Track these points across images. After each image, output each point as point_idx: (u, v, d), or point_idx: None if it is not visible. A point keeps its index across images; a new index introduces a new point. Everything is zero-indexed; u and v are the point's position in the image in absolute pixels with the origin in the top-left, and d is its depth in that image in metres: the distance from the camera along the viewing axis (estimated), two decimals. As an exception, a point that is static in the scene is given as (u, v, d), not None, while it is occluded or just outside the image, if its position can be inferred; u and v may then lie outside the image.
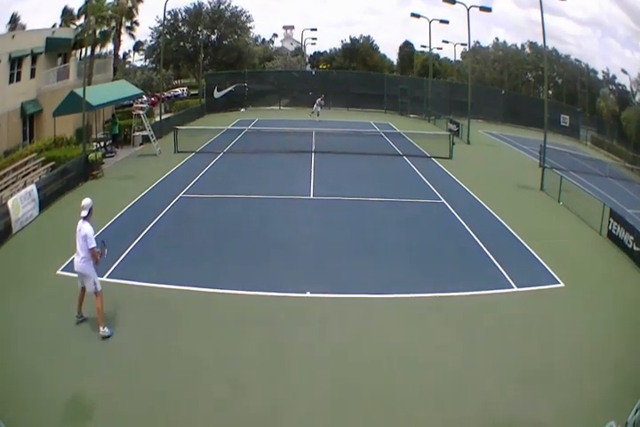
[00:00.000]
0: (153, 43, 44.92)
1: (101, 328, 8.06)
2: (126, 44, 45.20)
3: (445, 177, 19.34)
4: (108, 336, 8.01)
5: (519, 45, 49.46)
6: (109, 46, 38.98)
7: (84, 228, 8.15)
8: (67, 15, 33.62)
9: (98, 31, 32.67)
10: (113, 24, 35.02)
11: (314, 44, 51.84)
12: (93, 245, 8.07)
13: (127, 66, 46.08)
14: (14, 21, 28.62)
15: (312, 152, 22.13)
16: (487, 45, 50.98)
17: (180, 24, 45.75)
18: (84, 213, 8.28)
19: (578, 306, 9.61)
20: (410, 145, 25.42)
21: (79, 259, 8.17)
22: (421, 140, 25.50)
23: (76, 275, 8.25)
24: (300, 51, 54.45)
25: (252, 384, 6.96)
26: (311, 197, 16.12)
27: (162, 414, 6.38)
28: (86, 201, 8.44)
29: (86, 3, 32.17)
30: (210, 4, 45.97)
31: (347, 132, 27.13)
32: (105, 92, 24.08)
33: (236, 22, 46.76)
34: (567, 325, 8.89)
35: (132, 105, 27.32)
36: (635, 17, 40.03)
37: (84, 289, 8.33)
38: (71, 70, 29.64)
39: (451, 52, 48.61)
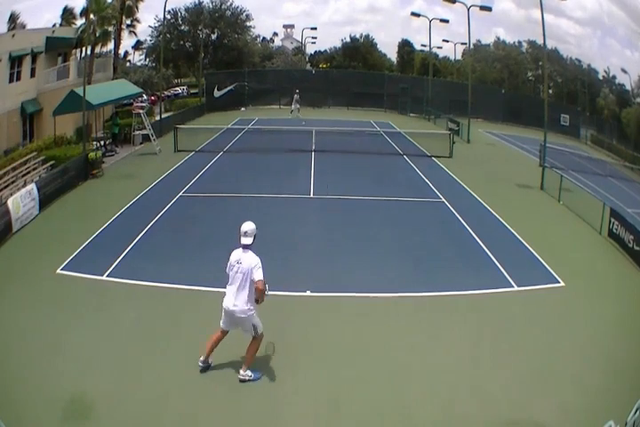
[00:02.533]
0: (153, 42, 44.90)
1: (243, 371, 6.94)
2: (126, 43, 45.03)
3: (445, 176, 19.33)
4: (252, 380, 6.94)
5: (519, 44, 49.42)
6: (110, 45, 39.00)
7: (250, 259, 6.68)
8: (67, 14, 33.55)
9: (98, 31, 32.63)
10: (113, 22, 34.96)
11: (314, 42, 51.85)
12: (260, 277, 6.55)
13: (127, 65, 46.00)
14: (13, 20, 28.57)
15: (312, 151, 22.13)
16: (488, 43, 50.91)
17: (181, 23, 45.71)
18: (248, 241, 6.79)
19: (578, 305, 9.61)
20: (410, 144, 25.41)
21: (238, 299, 6.69)
22: (421, 140, 25.50)
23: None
24: (300, 50, 54.38)
25: (251, 384, 6.96)
26: (311, 196, 16.12)
27: (162, 414, 6.38)
28: (250, 226, 6.83)
29: (87, 2, 32.15)
30: (211, 2, 45.98)
31: (347, 131, 27.11)
32: (105, 91, 24.05)
33: (236, 21, 46.71)
34: (567, 324, 8.88)
35: (132, 104, 27.31)
36: (635, 17, 39.92)
37: (224, 333, 7.05)
38: (71, 69, 29.65)
39: (451, 52, 48.48)
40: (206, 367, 7.14)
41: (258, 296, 6.65)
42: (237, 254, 6.83)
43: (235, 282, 6.74)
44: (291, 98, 35.75)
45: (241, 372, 6.94)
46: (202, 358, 7.10)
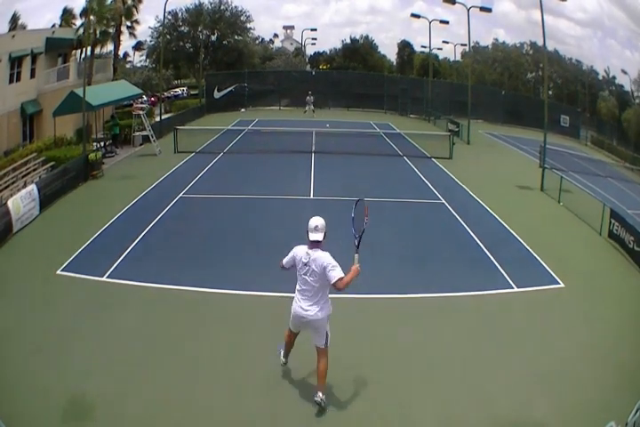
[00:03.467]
0: (153, 43, 44.94)
1: (320, 394, 6.21)
2: (126, 43, 45.11)
3: (445, 177, 19.34)
4: (321, 403, 6.26)
5: (519, 46, 49.46)
6: (110, 46, 39.05)
7: (323, 257, 5.90)
8: (67, 15, 33.58)
9: (98, 31, 32.66)
10: (113, 23, 35.00)
11: (314, 44, 51.93)
12: (340, 274, 5.79)
13: (127, 66, 46.03)
14: (14, 21, 28.63)
15: (312, 152, 22.14)
16: (487, 44, 50.99)
17: (181, 24, 45.75)
18: (319, 237, 6.02)
19: (578, 306, 9.60)
20: (410, 145, 25.43)
21: (311, 303, 6.00)
22: (421, 141, 25.51)
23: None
24: (300, 51, 54.41)
25: (251, 384, 6.95)
26: (311, 197, 16.13)
27: (162, 414, 6.37)
28: (320, 220, 6.13)
29: (87, 2, 32.18)
30: (210, 4, 46.03)
31: (347, 132, 27.13)
32: (105, 92, 24.08)
33: (236, 22, 46.76)
34: (567, 325, 8.88)
35: (131, 105, 27.33)
36: (635, 18, 39.96)
37: (294, 335, 6.56)
38: (71, 70, 29.66)
39: (451, 53, 48.55)
40: (285, 363, 6.90)
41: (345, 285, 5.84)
42: (302, 252, 6.03)
43: (303, 282, 6.03)
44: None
45: (319, 394, 6.21)
46: (283, 360, 6.89)
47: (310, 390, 6.82)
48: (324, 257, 5.91)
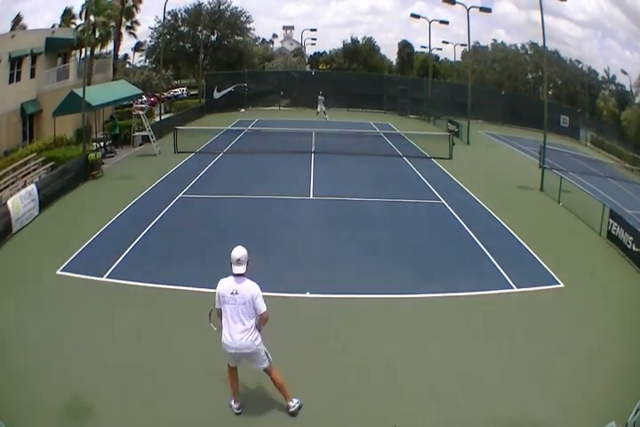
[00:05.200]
0: (153, 43, 44.95)
1: (291, 403, 6.40)
2: (126, 44, 45.17)
3: (445, 178, 19.34)
4: (300, 406, 6.45)
5: (519, 46, 49.54)
6: (109, 47, 39.04)
7: (249, 287, 6.00)
8: (67, 15, 33.59)
9: (97, 31, 32.65)
10: (112, 24, 35.00)
11: (313, 44, 51.97)
12: (264, 308, 6.02)
13: (127, 66, 46.03)
14: (17, 21, 28.65)
15: (312, 153, 22.14)
16: (487, 45, 51.04)
17: (180, 24, 45.76)
18: (241, 270, 6.05)
19: (577, 306, 9.61)
20: (410, 145, 25.43)
21: (242, 332, 6.00)
22: (421, 141, 25.52)
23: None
24: (299, 51, 54.43)
25: (251, 385, 6.95)
26: (311, 197, 16.13)
27: (161, 414, 6.38)
28: (242, 252, 6.08)
29: (86, 2, 32.20)
30: (210, 4, 46.04)
31: (346, 132, 27.13)
32: (105, 92, 24.06)
33: (235, 23, 46.76)
34: (567, 325, 8.89)
35: (131, 105, 27.32)
36: (634, 19, 40.01)
37: (236, 369, 6.41)
38: (71, 70, 29.67)
39: (451, 53, 48.58)
40: (241, 411, 6.44)
41: (261, 327, 6.14)
42: (230, 285, 6.03)
43: (234, 315, 6.01)
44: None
45: (290, 404, 6.39)
46: (234, 404, 6.45)
47: (311, 391, 6.84)
48: (252, 287, 6.04)
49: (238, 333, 6.01)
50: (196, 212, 14.56)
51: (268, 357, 6.27)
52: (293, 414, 6.36)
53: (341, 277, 10.49)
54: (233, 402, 6.45)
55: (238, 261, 6.03)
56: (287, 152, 22.33)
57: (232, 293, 6.00)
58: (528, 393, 6.92)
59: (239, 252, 6.06)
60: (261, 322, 6.10)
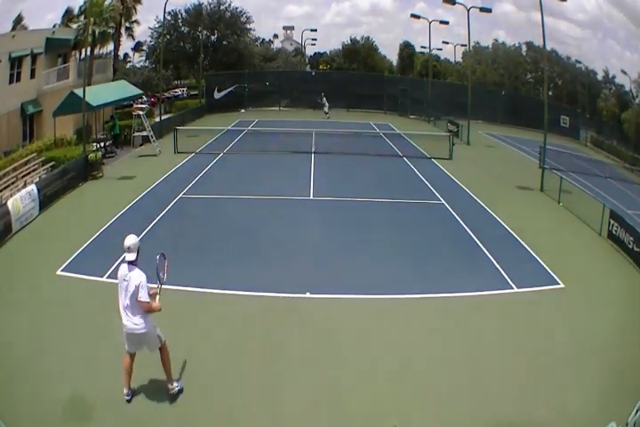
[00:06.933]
0: (153, 43, 44.94)
1: (172, 385, 6.66)
2: (127, 44, 45.18)
3: (445, 178, 19.34)
4: (181, 390, 6.72)
5: (519, 46, 49.54)
6: (109, 47, 39.08)
7: (135, 277, 6.19)
8: (68, 15, 33.60)
9: (97, 31, 32.68)
10: (112, 24, 35.02)
11: (314, 44, 51.94)
12: (145, 298, 6.17)
13: (127, 66, 46.01)
14: (18, 21, 28.68)
15: (312, 153, 22.14)
16: (487, 45, 51.05)
17: (180, 24, 45.75)
18: (132, 257, 6.25)
19: (578, 307, 9.61)
20: (410, 146, 25.44)
21: (132, 316, 6.29)
22: (421, 141, 25.53)
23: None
24: (299, 51, 54.42)
25: (251, 385, 6.96)
26: (311, 197, 16.13)
27: (161, 414, 6.38)
28: (132, 240, 6.28)
29: (85, 3, 32.22)
30: (210, 4, 46.02)
31: (346, 132, 27.13)
32: (105, 92, 24.09)
33: (235, 23, 46.75)
34: (567, 325, 8.89)
35: (131, 105, 27.33)
36: (634, 19, 40.02)
37: (133, 356, 6.59)
38: (71, 70, 29.69)
39: (451, 53, 48.59)
40: (132, 396, 6.57)
41: (150, 311, 6.33)
42: (123, 272, 6.28)
43: (126, 299, 6.25)
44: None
45: (169, 386, 6.64)
46: (125, 391, 6.52)
47: (312, 391, 6.83)
48: (137, 276, 6.18)
49: (132, 316, 6.27)
50: (195, 212, 14.56)
51: (160, 338, 6.54)
52: (172, 394, 6.61)
53: (341, 277, 10.49)
54: (126, 391, 6.52)
55: (129, 249, 6.23)
56: (287, 152, 22.34)
57: (124, 279, 6.26)
58: (528, 393, 6.92)
59: (129, 240, 6.27)
60: (143, 308, 6.27)
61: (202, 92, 40.37)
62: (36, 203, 13.97)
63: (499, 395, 6.89)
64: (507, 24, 53.72)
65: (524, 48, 48.78)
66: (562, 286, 10.38)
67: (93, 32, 31.87)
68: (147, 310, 6.28)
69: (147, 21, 45.38)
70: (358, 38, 54.83)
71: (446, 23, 39.66)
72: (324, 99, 36.15)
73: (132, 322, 6.29)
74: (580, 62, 44.88)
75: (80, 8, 33.13)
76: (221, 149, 22.99)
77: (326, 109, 35.85)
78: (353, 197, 16.00)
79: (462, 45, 44.06)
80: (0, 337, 7.97)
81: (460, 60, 48.98)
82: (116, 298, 6.37)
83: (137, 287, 6.15)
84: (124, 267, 6.31)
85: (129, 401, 6.51)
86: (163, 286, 6.48)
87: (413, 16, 40.08)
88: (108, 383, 6.85)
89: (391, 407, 6.60)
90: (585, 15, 47.57)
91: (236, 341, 8.11)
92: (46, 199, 14.67)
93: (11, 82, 25.29)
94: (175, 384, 6.68)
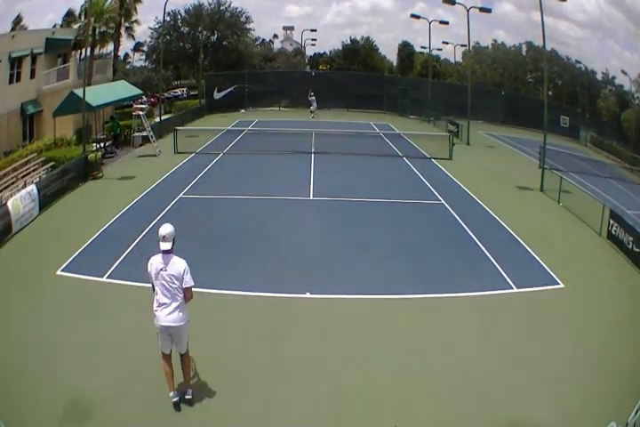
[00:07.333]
0: (153, 43, 44.95)
1: (190, 390, 6.59)
2: (126, 44, 45.18)
3: (445, 178, 19.34)
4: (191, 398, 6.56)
5: (518, 46, 49.53)
6: (109, 47, 39.09)
7: (178, 263, 6.16)
8: (69, 16, 33.62)
9: (97, 31, 32.69)
10: (112, 24, 35.03)
11: (313, 44, 51.88)
12: (192, 283, 6.20)
13: (127, 66, 46.01)
14: (17, 22, 28.72)
15: (312, 153, 22.14)
16: (487, 45, 51.03)
17: (180, 25, 45.76)
18: (167, 246, 6.16)
19: (578, 307, 9.62)
20: (409, 146, 25.44)
21: (171, 309, 6.16)
22: (421, 141, 25.53)
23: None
24: (299, 51, 54.41)
25: (251, 385, 6.96)
26: (311, 197, 16.12)
27: (161, 413, 6.37)
28: (167, 228, 6.19)
29: (86, 2, 32.24)
30: (210, 4, 46.04)
31: (346, 132, 27.13)
32: (105, 92, 24.10)
33: (235, 23, 46.76)
34: (567, 325, 8.89)
35: (131, 105, 27.34)
36: (634, 19, 40.03)
37: (169, 357, 6.43)
38: (71, 71, 29.71)
39: (451, 53, 48.57)
40: (178, 397, 6.43)
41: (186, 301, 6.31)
42: (158, 262, 6.17)
43: (164, 290, 6.15)
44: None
45: (188, 390, 6.53)
46: (171, 394, 6.39)
47: (311, 391, 6.82)
48: (181, 263, 6.18)
49: (169, 307, 6.16)
50: (195, 212, 14.56)
51: (187, 342, 6.46)
52: (188, 400, 6.49)
53: (341, 277, 10.49)
54: (172, 394, 6.38)
55: (164, 238, 6.13)
56: (287, 152, 22.34)
57: (162, 269, 6.13)
58: (528, 393, 6.92)
59: (165, 229, 6.18)
60: (187, 297, 6.25)
61: (202, 93, 40.36)
62: (36, 203, 13.98)
63: (499, 395, 6.89)
64: (507, 24, 53.72)
65: (524, 48, 48.77)
66: (562, 285, 10.38)
67: (93, 32, 31.90)
68: (189, 297, 6.25)
69: (147, 21, 45.19)
70: (358, 38, 54.74)
71: (446, 23, 39.69)
72: (313, 97, 35.97)
73: (173, 315, 6.18)
74: (579, 62, 44.90)
75: (81, 7, 33.21)
76: (221, 150, 22.99)
77: (312, 108, 35.65)
78: (353, 197, 16.00)
79: (462, 45, 44.07)
80: (0, 337, 7.97)
81: (460, 60, 49.00)
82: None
83: (182, 273, 6.10)
84: (158, 258, 6.19)
85: (177, 404, 6.38)
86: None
87: (413, 16, 40.13)
88: (108, 383, 6.86)
89: (391, 407, 6.60)
90: (585, 15, 47.57)
91: (235, 341, 8.11)
92: (46, 199, 14.67)
93: (11, 82, 25.32)
94: (188, 394, 6.55)
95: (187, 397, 6.51)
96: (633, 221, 14.45)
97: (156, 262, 6.20)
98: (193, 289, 6.34)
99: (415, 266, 11.23)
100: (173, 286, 6.14)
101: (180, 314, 6.22)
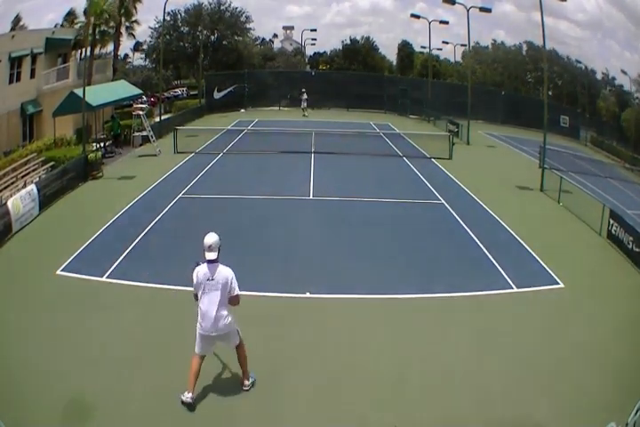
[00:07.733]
0: (153, 43, 44.94)
1: (248, 381, 6.76)
2: (126, 44, 45.19)
3: (445, 178, 19.35)
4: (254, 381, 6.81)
5: (518, 46, 49.52)
6: (109, 47, 39.07)
7: (224, 272, 6.25)
8: (70, 16, 33.60)
9: (97, 31, 32.68)
10: (112, 24, 35.02)
11: (313, 44, 51.88)
12: (239, 291, 6.32)
13: (127, 66, 46.00)
14: (17, 21, 28.72)
15: (312, 153, 22.14)
16: (487, 45, 51.05)
17: (180, 24, 45.75)
18: (213, 256, 6.23)
19: (578, 307, 9.61)
20: (409, 146, 25.44)
21: (219, 317, 6.24)
22: (421, 141, 25.53)
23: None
24: (299, 51, 54.40)
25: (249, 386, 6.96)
26: (311, 197, 16.12)
27: (161, 413, 6.37)
28: (213, 238, 6.24)
29: (86, 2, 32.24)
30: (210, 4, 46.04)
31: (346, 132, 27.12)
32: (105, 92, 24.11)
33: (235, 23, 46.76)
34: (567, 325, 8.89)
35: (131, 105, 27.33)
36: (634, 19, 40.04)
37: (203, 358, 6.51)
38: (71, 70, 29.72)
39: (451, 53, 48.58)
40: (193, 400, 6.35)
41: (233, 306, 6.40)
42: (204, 271, 6.23)
43: (212, 299, 6.20)
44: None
45: (245, 382, 6.73)
46: (188, 395, 6.32)
47: (312, 392, 6.82)
48: (226, 271, 6.29)
49: (216, 317, 6.21)
50: (195, 212, 14.56)
51: (239, 334, 6.56)
52: (247, 390, 6.68)
53: (341, 277, 10.49)
54: (189, 395, 6.33)
55: (209, 248, 6.19)
56: (287, 152, 22.33)
57: (209, 279, 6.20)
58: (528, 393, 6.92)
59: (211, 238, 6.23)
60: (233, 303, 6.35)
61: (202, 92, 40.35)
62: (36, 203, 13.97)
63: (498, 395, 6.88)
64: (507, 24, 53.71)
65: (524, 48, 48.76)
66: (562, 285, 10.38)
67: (94, 32, 31.87)
68: (237, 304, 6.35)
69: (147, 21, 45.19)
70: (358, 38, 54.72)
71: (446, 23, 39.71)
72: (305, 95, 35.92)
73: (220, 323, 6.25)
74: (579, 62, 44.90)
75: (85, 8, 33.17)
76: (221, 149, 22.99)
77: (303, 106, 35.61)
78: (353, 197, 16.00)
79: (462, 45, 44.09)
80: (0, 337, 7.97)
81: (460, 60, 49.00)
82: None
83: (231, 281, 6.22)
84: (204, 267, 6.25)
85: (191, 404, 6.36)
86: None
87: (413, 16, 40.13)
88: (109, 383, 6.86)
89: (391, 407, 6.60)
90: (585, 15, 47.59)
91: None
92: (46, 199, 14.66)
93: (11, 82, 25.31)
94: (250, 380, 6.74)
95: (245, 388, 6.68)
96: (633, 220, 14.46)
97: (202, 272, 6.25)
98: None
99: (415, 265, 11.24)
100: (221, 294, 6.21)
101: (228, 319, 6.31)
